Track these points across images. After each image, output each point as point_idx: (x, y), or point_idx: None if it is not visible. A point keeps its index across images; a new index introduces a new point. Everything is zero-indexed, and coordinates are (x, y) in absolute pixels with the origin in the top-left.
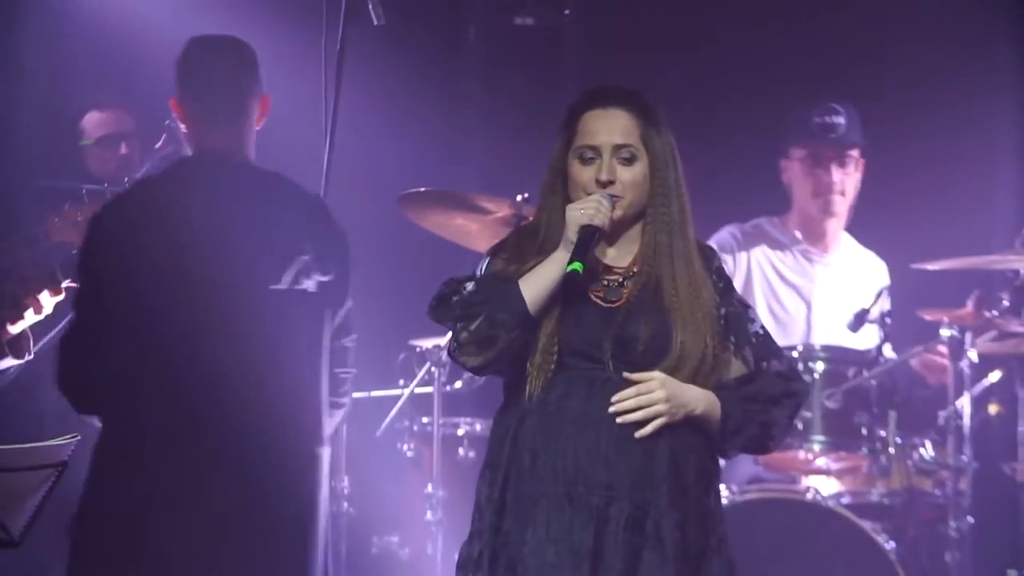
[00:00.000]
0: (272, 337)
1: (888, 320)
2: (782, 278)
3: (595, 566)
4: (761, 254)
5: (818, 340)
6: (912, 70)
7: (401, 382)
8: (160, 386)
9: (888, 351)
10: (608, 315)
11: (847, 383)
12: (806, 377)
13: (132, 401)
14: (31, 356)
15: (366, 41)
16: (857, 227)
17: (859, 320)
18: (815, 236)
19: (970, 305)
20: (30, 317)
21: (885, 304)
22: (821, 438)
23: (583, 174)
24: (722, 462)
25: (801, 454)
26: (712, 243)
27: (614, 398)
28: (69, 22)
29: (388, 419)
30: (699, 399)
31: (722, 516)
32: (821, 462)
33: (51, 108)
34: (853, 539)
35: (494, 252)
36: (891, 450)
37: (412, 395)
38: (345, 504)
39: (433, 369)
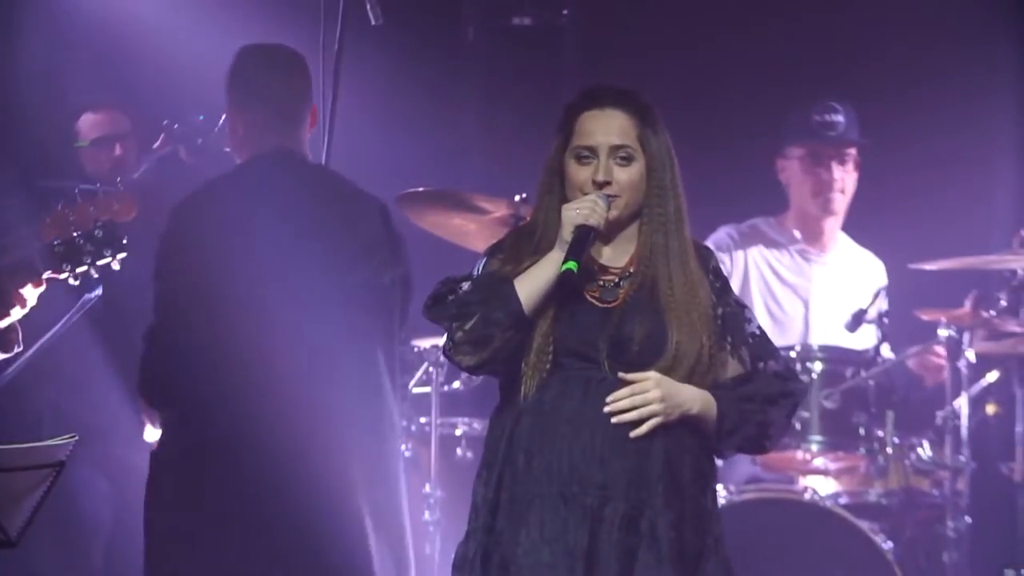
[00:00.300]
0: (352, 328)
1: (886, 320)
2: (779, 278)
3: (590, 567)
4: (758, 254)
5: (816, 340)
6: (910, 71)
7: None
8: (234, 380)
9: (886, 351)
10: (603, 315)
11: (845, 383)
12: (804, 377)
13: (205, 397)
14: (20, 348)
15: (364, 41)
16: (855, 227)
17: (857, 320)
18: (813, 235)
19: (968, 305)
20: (16, 313)
21: (883, 304)
22: (819, 438)
23: (580, 174)
24: (719, 462)
25: (799, 454)
26: (709, 243)
27: (609, 398)
28: (67, 23)
29: None
30: (695, 398)
31: (719, 516)
32: (819, 462)
33: (49, 109)
34: (851, 539)
35: (491, 252)
36: (889, 450)
37: (410, 395)
38: None
39: (431, 369)
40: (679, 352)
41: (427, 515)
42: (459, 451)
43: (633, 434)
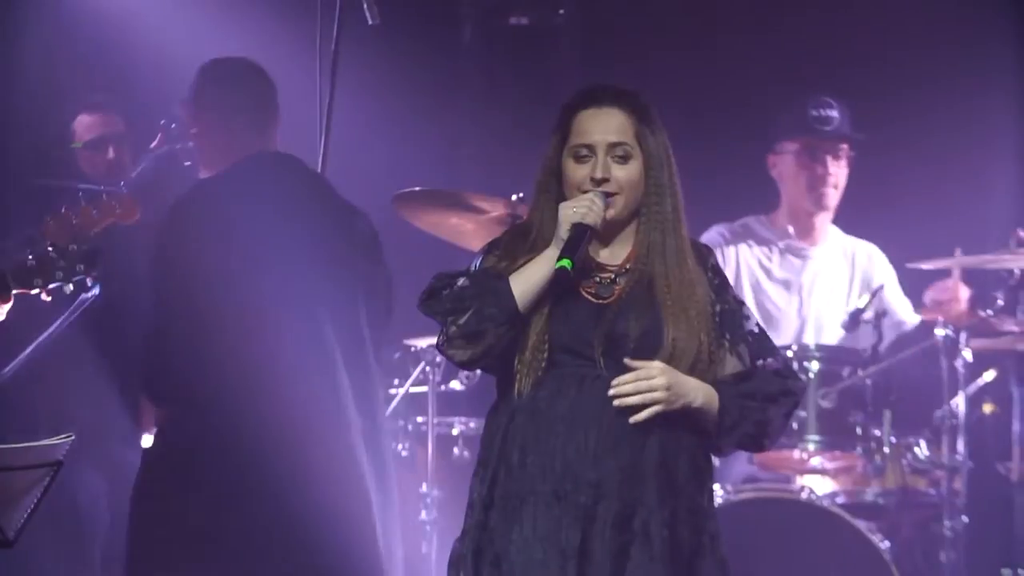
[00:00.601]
0: (346, 322)
1: (883, 319)
2: (770, 274)
3: (582, 565)
4: (748, 251)
5: (812, 335)
6: (907, 71)
7: (396, 381)
8: (233, 376)
9: (908, 312)
10: (598, 312)
11: (842, 382)
12: (800, 376)
13: (206, 393)
14: None
15: (361, 40)
16: (853, 226)
17: (854, 319)
18: (804, 230)
19: (965, 305)
20: None
21: (880, 304)
22: (816, 437)
23: (578, 172)
24: (716, 461)
25: (796, 453)
26: None
27: (614, 382)
28: (65, 24)
29: None
30: (698, 391)
31: (715, 514)
32: (816, 461)
33: (47, 109)
34: (848, 538)
35: (487, 249)
36: (886, 449)
37: (407, 394)
38: None
39: (428, 368)
40: (676, 349)
41: (424, 514)
42: (456, 450)
43: (633, 419)
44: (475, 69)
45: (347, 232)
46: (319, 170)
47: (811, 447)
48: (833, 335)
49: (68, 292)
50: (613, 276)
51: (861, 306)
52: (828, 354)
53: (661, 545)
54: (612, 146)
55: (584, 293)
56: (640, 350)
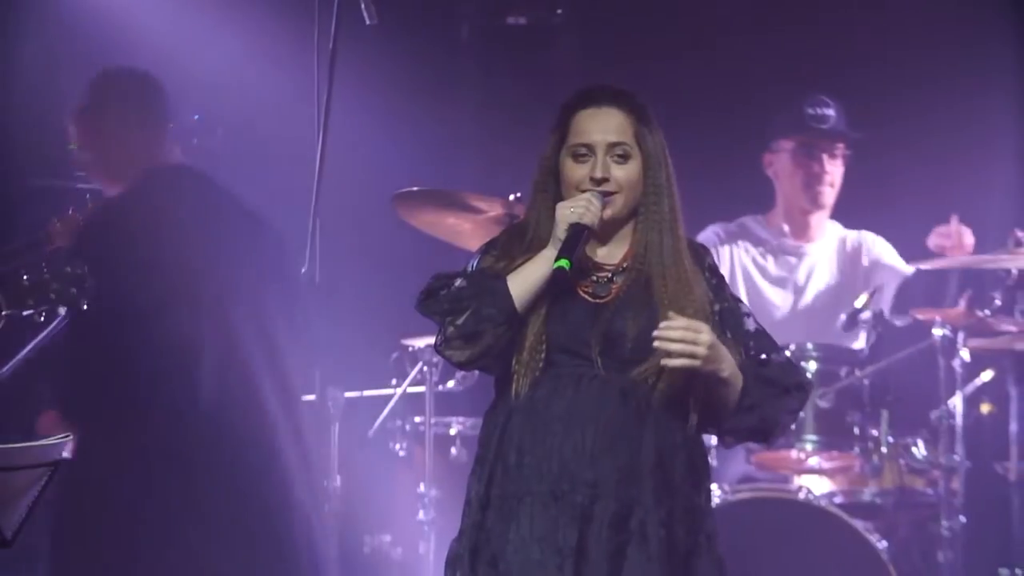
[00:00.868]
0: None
1: (882, 319)
2: (766, 273)
3: (579, 564)
4: (744, 251)
5: (808, 331)
6: (906, 71)
7: (394, 381)
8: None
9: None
10: (595, 311)
11: (839, 382)
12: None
13: (135, 401)
14: None
15: (359, 40)
16: (852, 225)
17: (852, 320)
18: (800, 228)
19: (962, 305)
20: None
21: (878, 304)
22: (813, 437)
23: (576, 172)
24: (714, 461)
25: (793, 453)
26: None
27: (662, 324)
28: (65, 24)
29: (380, 418)
30: (731, 364)
31: (712, 514)
32: (813, 461)
33: (47, 110)
34: (845, 538)
35: (485, 249)
36: (883, 449)
37: (404, 394)
38: (337, 503)
39: (425, 368)
40: None
41: (421, 514)
42: (454, 450)
43: (666, 362)
44: (473, 69)
45: (253, 244)
46: (316, 171)
47: (809, 447)
48: (830, 332)
49: (61, 314)
50: (610, 275)
51: (859, 306)
52: (826, 354)
53: (658, 545)
54: (612, 146)
55: (581, 292)
56: (637, 349)
